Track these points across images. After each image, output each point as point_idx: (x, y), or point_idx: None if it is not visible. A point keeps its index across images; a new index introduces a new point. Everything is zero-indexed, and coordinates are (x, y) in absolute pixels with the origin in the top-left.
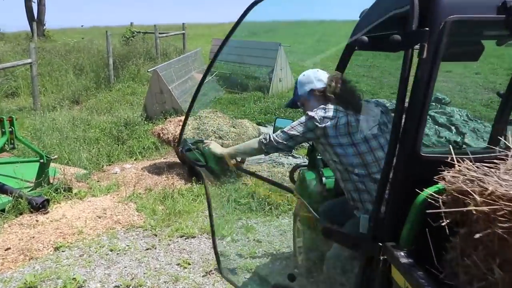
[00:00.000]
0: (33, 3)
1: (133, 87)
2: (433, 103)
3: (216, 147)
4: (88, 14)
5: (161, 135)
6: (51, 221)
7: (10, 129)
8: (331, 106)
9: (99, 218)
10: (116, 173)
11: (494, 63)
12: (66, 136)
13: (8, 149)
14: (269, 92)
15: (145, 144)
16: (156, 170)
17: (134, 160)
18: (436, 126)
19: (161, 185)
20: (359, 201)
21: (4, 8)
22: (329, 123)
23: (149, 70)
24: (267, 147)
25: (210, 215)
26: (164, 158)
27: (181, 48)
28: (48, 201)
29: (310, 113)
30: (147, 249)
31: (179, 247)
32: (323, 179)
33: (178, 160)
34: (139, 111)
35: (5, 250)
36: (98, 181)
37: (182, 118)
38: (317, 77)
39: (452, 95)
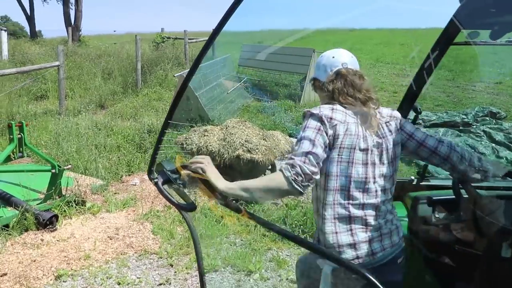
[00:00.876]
0: (70, 9)
1: (160, 92)
2: (487, 118)
3: (216, 177)
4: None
5: (185, 145)
6: (57, 240)
7: (19, 135)
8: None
9: (111, 239)
10: (135, 184)
11: None
12: (86, 142)
13: (15, 157)
14: (300, 100)
15: (168, 153)
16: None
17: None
18: (493, 144)
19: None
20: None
21: (44, 14)
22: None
23: (175, 75)
24: (301, 183)
25: (200, 274)
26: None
27: (210, 54)
28: (56, 217)
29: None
30: (160, 284)
31: (198, 284)
32: None
33: None
34: (164, 117)
35: (0, 276)
36: (115, 193)
37: (209, 127)
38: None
39: (507, 109)
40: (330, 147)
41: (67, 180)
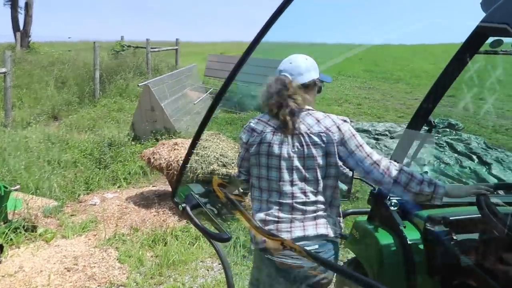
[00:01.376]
0: (19, 14)
1: (121, 103)
2: (448, 129)
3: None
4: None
5: (152, 160)
6: (2, 276)
7: None
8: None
9: (68, 271)
10: (95, 204)
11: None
12: (37, 157)
13: None
14: None
15: (131, 168)
16: (144, 201)
17: (118, 187)
18: (456, 155)
19: (150, 223)
20: None
21: None
22: None
23: (139, 85)
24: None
25: None
26: (153, 186)
27: (173, 64)
28: (1, 247)
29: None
30: None
31: None
32: (409, 244)
33: (170, 189)
34: (126, 129)
35: None
36: (72, 215)
37: (179, 140)
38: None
39: (462, 121)
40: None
41: (14, 202)
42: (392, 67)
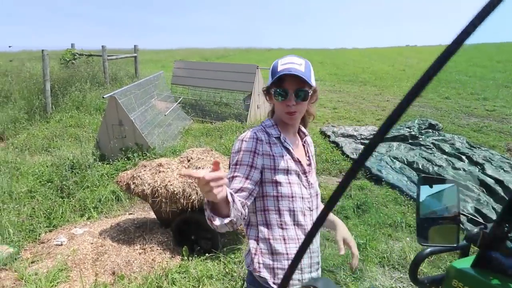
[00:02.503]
0: None
1: (78, 117)
2: (430, 130)
3: None
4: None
5: (132, 186)
6: None
7: None
8: None
9: None
10: (61, 244)
11: (457, 87)
12: None
13: None
14: (246, 120)
15: (101, 194)
16: (123, 235)
17: (88, 219)
18: (445, 156)
19: (137, 265)
20: None
21: None
22: None
23: (104, 96)
24: None
25: None
26: (130, 214)
27: (133, 72)
28: None
29: None
30: None
31: None
32: None
33: (152, 216)
34: (90, 148)
35: None
36: (33, 263)
37: (163, 160)
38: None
39: (439, 121)
40: None
41: None
42: (354, 70)
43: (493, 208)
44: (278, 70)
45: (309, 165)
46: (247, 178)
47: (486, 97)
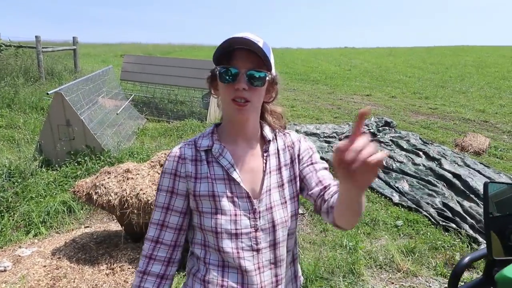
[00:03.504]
0: None
1: (10, 116)
2: (386, 128)
3: None
4: None
5: (95, 196)
6: None
7: None
8: None
9: None
10: (4, 270)
11: (400, 87)
12: None
13: None
14: (206, 119)
15: (49, 206)
16: (82, 253)
17: (35, 237)
18: (404, 152)
19: None
20: None
21: None
22: None
23: (49, 92)
24: None
25: None
26: (86, 227)
27: (71, 67)
28: None
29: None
30: None
31: None
32: None
33: (113, 228)
34: (30, 152)
35: None
36: None
37: (131, 165)
38: None
39: (392, 118)
40: None
41: None
42: (304, 69)
43: (458, 202)
44: (227, 44)
45: (262, 184)
46: (167, 209)
47: (427, 96)
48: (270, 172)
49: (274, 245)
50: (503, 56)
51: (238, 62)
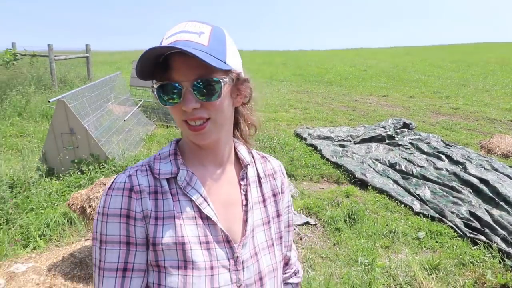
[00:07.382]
0: None
1: (21, 125)
2: (405, 130)
3: None
4: None
5: (89, 210)
6: None
7: None
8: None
9: None
10: None
11: (419, 87)
12: None
13: None
14: None
15: (49, 218)
16: (78, 269)
17: (33, 251)
18: (425, 156)
19: None
20: None
21: None
22: None
23: (50, 100)
24: None
25: None
26: (87, 240)
27: (84, 74)
28: None
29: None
30: None
31: None
32: None
33: None
34: (35, 162)
35: None
36: None
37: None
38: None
39: (411, 119)
40: None
41: None
42: (318, 71)
43: (486, 211)
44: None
45: (245, 223)
46: (125, 271)
47: (448, 95)
48: (252, 206)
49: None
50: None
51: (177, 72)
